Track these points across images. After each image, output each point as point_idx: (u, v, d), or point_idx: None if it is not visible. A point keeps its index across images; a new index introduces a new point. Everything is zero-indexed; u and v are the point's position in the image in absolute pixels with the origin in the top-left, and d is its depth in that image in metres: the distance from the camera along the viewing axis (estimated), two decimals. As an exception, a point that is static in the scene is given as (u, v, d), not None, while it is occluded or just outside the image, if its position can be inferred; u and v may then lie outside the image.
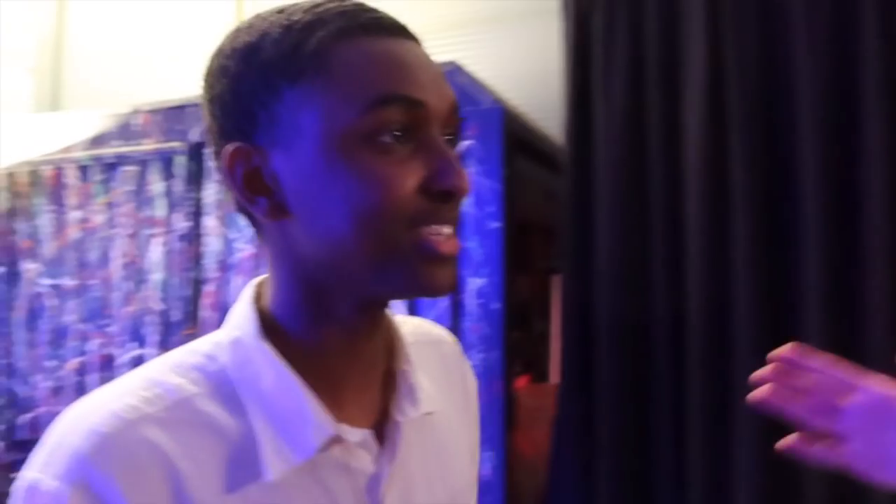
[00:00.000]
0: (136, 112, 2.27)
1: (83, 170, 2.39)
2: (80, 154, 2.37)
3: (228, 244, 2.08)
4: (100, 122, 2.36)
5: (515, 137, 1.67)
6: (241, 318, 0.51)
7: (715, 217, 1.46)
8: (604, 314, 1.56)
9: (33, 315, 2.45)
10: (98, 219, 2.34)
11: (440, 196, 0.47)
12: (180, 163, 2.17)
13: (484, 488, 1.62)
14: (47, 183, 2.47)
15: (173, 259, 2.17)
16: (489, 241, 1.57)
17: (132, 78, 2.81)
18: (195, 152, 2.14)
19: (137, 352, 2.23)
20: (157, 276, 2.20)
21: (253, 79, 0.47)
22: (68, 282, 2.38)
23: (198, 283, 2.12)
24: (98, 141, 2.34)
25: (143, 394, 0.46)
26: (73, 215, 2.39)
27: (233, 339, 0.50)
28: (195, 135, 2.14)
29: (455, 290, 0.50)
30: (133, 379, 0.49)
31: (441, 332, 0.64)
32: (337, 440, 0.49)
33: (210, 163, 2.11)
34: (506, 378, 1.61)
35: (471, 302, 1.61)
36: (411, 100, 0.46)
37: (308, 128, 0.45)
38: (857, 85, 1.37)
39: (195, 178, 2.14)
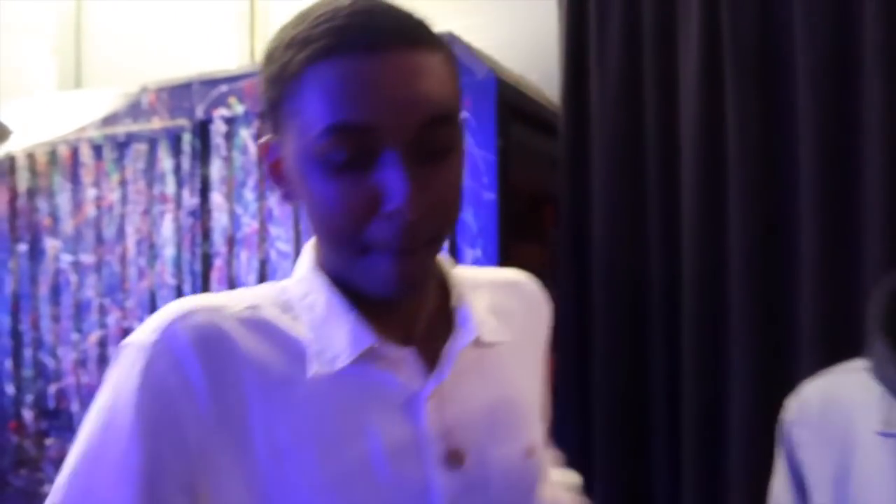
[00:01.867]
0: (144, 91, 2.30)
1: (97, 149, 2.43)
2: (94, 133, 2.42)
3: (235, 219, 2.12)
4: (112, 101, 2.39)
5: (513, 107, 1.66)
6: (303, 261, 0.61)
7: (711, 179, 1.45)
8: (601, 279, 1.57)
9: (56, 290, 2.53)
10: (112, 196, 2.39)
11: (389, 216, 0.50)
12: (187, 140, 2.20)
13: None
14: (64, 162, 2.52)
15: (183, 235, 2.21)
16: (484, 212, 1.58)
17: (151, 56, 2.84)
18: (201, 129, 2.17)
19: (155, 325, 2.29)
20: (169, 252, 2.25)
21: (266, 87, 0.54)
22: (87, 258, 2.44)
23: (207, 258, 2.17)
24: (110, 120, 2.38)
25: (224, 298, 0.56)
26: (89, 193, 2.45)
27: (299, 278, 0.60)
28: (200, 112, 2.16)
29: (410, 295, 0.55)
30: (218, 294, 0.59)
31: (519, 276, 0.72)
32: (376, 353, 0.55)
33: (216, 139, 2.14)
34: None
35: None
36: (357, 126, 0.49)
37: (290, 141, 0.53)
38: (856, 45, 1.34)
39: (201, 155, 2.17)
